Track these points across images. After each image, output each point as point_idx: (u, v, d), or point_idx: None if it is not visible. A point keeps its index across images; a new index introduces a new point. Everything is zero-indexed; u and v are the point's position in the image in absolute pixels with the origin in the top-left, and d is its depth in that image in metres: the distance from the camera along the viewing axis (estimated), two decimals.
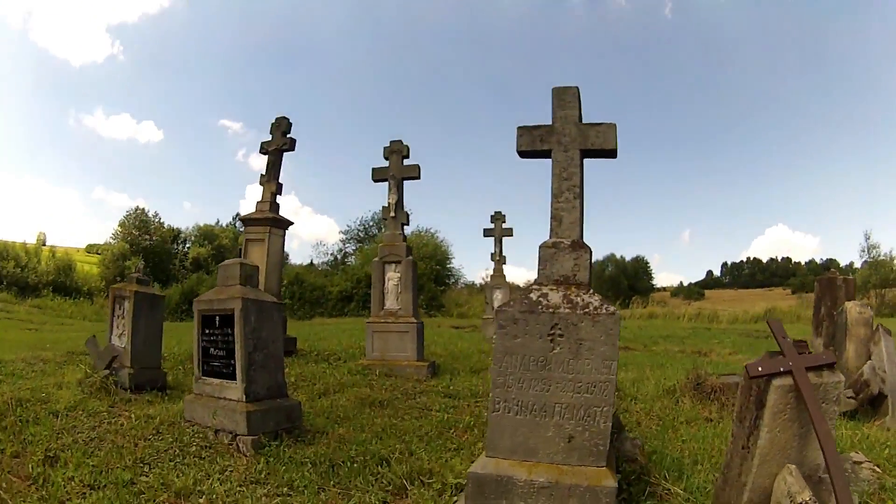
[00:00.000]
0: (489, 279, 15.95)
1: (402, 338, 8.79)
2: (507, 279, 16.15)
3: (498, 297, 15.29)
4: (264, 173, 10.01)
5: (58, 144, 69.61)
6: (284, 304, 9.36)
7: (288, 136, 10.01)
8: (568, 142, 3.57)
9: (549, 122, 3.64)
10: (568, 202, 3.50)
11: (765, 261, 78.47)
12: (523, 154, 3.70)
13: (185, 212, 76.12)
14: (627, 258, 51.72)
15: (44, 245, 35.16)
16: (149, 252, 34.62)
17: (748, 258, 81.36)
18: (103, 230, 70.59)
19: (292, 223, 10.15)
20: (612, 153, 3.60)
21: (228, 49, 78.99)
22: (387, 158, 9.58)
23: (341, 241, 40.21)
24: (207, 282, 27.57)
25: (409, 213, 9.53)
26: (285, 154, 10.05)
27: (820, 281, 8.36)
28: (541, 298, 3.28)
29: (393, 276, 9.19)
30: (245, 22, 78.47)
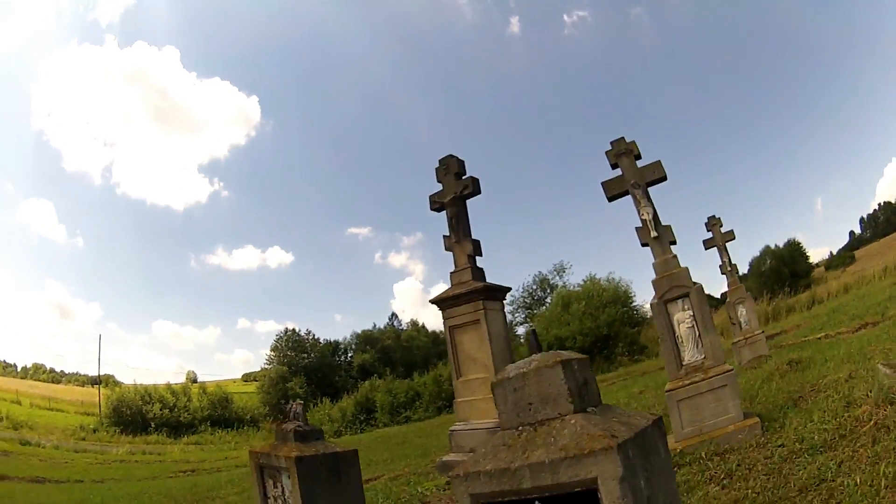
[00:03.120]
0: (728, 294, 12.61)
1: (720, 396, 5.92)
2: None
3: (743, 313, 11.81)
4: (448, 234, 7.56)
5: (185, 287, 74.48)
6: None
7: (464, 177, 7.56)
8: None
9: None
10: None
11: (895, 201, 67.53)
12: None
13: (337, 324, 77.11)
14: (781, 245, 47.10)
15: (194, 382, 35.76)
16: (309, 370, 34.65)
17: (879, 204, 70.23)
18: (255, 358, 73.59)
19: (510, 289, 7.52)
20: None
21: (331, 159, 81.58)
22: (615, 166, 6.85)
23: (510, 313, 38.33)
24: (381, 386, 26.42)
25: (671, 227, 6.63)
26: (469, 201, 7.57)
27: None
28: None
29: (683, 317, 6.33)
30: (336, 129, 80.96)
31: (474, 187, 7.43)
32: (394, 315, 47.42)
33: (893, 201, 68.43)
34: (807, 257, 47.20)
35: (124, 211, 74.22)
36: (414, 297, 70.56)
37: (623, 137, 6.98)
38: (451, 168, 7.64)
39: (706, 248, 13.00)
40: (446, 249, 7.59)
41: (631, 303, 23.96)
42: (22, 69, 72.35)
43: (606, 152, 6.99)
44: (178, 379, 37.66)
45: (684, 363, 6.29)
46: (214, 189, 76.51)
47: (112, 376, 43.88)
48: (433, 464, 8.00)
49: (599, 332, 21.18)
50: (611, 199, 6.88)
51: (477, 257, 7.42)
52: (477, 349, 7.07)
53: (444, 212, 7.64)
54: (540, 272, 34.61)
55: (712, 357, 6.18)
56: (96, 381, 36.73)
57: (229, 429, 30.05)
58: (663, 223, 6.66)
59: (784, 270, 45.73)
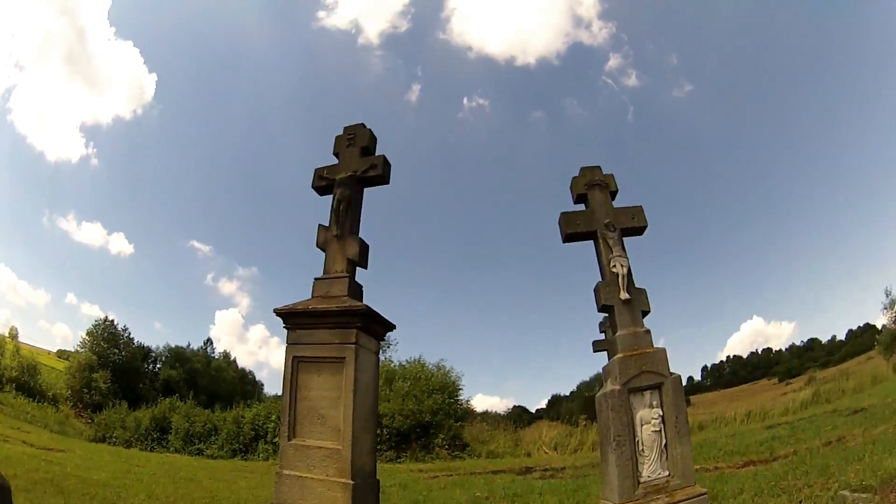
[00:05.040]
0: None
1: None
2: None
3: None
4: (329, 224, 5.24)
5: (31, 242, 66.80)
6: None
7: (373, 155, 5.35)
8: None
9: None
10: None
11: (745, 356, 72.76)
12: None
13: (155, 331, 72.79)
14: None
15: (14, 338, 30.52)
16: (117, 367, 32.36)
17: (728, 357, 75.50)
18: (73, 338, 66.37)
19: (394, 327, 5.21)
20: None
21: (201, 166, 76.55)
22: (580, 198, 4.91)
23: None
24: (181, 409, 23.86)
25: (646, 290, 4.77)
26: (369, 190, 5.32)
27: None
28: None
29: (649, 416, 4.63)
30: (215, 140, 75.85)
31: (384, 170, 5.17)
32: (209, 341, 44.75)
33: (745, 356, 72.17)
34: None
35: (6, 142, 65.90)
36: (232, 328, 67.87)
37: (599, 167, 5.11)
38: (358, 140, 5.37)
39: (594, 351, 12.77)
40: (318, 246, 5.23)
41: (457, 395, 21.98)
42: None
43: (573, 179, 5.07)
44: (2, 331, 32.00)
45: (643, 479, 4.52)
46: (87, 153, 69.95)
47: None
48: None
49: (422, 418, 19.10)
50: (567, 238, 4.91)
51: (359, 268, 5.12)
52: (331, 403, 4.62)
53: (331, 195, 5.31)
54: None
55: (681, 475, 4.54)
56: None
57: (31, 399, 25.62)
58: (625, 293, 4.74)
59: None
